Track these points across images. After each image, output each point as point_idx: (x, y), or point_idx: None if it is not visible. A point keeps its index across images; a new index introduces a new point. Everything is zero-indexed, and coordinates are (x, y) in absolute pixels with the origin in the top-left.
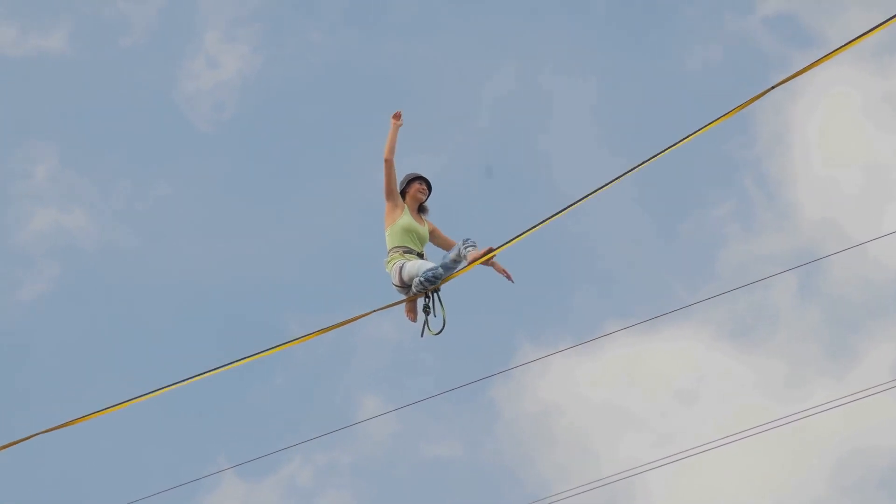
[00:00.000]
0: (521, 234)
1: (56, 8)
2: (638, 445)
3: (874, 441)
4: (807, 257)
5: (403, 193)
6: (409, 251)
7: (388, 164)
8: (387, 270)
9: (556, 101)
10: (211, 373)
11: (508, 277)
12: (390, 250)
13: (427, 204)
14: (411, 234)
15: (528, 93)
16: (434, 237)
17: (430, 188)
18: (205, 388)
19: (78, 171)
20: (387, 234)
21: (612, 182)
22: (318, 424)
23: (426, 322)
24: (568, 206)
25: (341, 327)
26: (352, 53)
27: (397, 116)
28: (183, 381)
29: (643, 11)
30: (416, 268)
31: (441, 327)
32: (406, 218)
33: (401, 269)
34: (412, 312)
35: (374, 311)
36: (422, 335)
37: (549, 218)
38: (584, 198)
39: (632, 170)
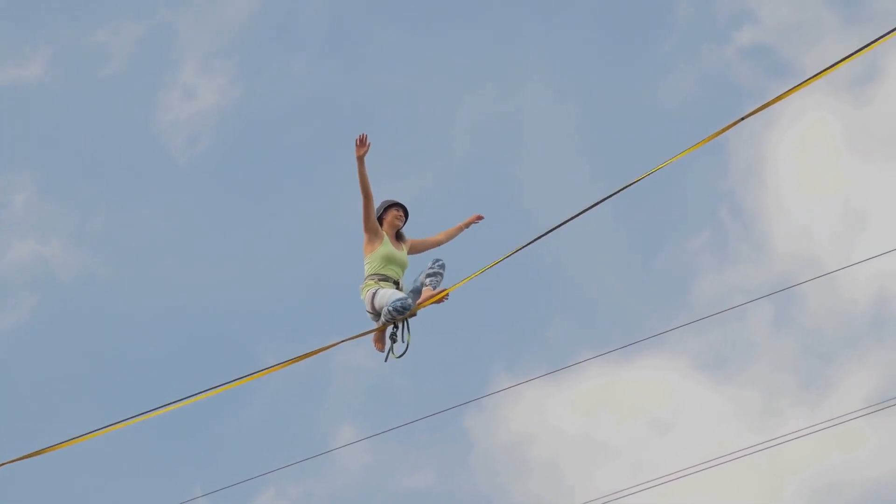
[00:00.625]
0: (483, 269)
1: (34, 37)
2: (612, 475)
3: (848, 470)
4: (781, 291)
5: (380, 220)
6: (385, 279)
7: (369, 200)
8: (361, 297)
9: (533, 129)
10: (180, 403)
11: (478, 219)
12: (367, 277)
13: (404, 231)
14: (390, 262)
15: (505, 119)
16: (419, 248)
17: (406, 214)
18: (179, 416)
19: (56, 200)
20: (366, 261)
21: (581, 213)
22: (293, 453)
23: (391, 348)
24: (533, 240)
25: (314, 356)
26: (330, 84)
27: (362, 142)
28: (155, 409)
29: (620, 40)
30: (386, 297)
31: (403, 350)
32: (385, 247)
33: (373, 296)
34: (380, 342)
35: (345, 340)
36: (385, 360)
37: (512, 252)
38: (548, 231)
39: (600, 201)
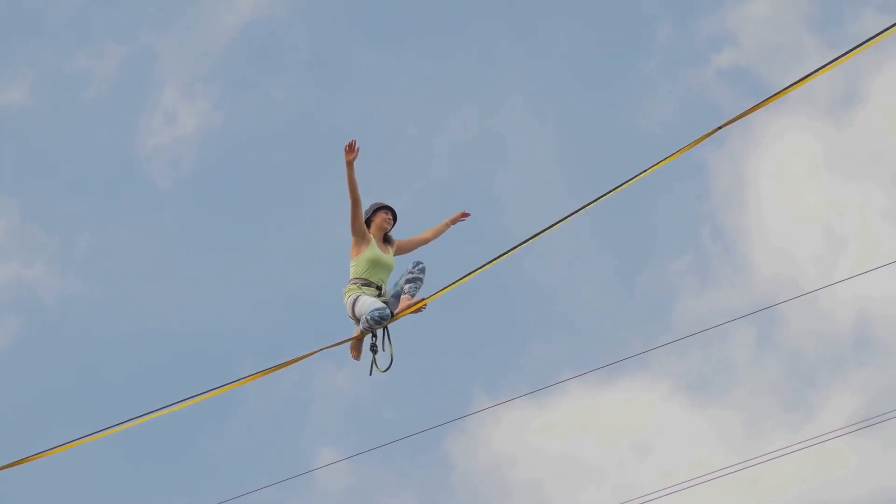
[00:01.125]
0: (460, 280)
1: (16, 62)
2: (594, 496)
3: (830, 490)
4: (763, 314)
5: (368, 222)
6: (369, 284)
7: (357, 203)
8: (343, 301)
9: (514, 150)
10: (156, 413)
11: (463, 216)
12: (350, 280)
13: (392, 234)
14: (376, 266)
15: (484, 141)
16: (407, 247)
17: (395, 217)
18: (160, 436)
19: (39, 224)
20: (351, 264)
21: (556, 224)
22: (273, 474)
23: (374, 360)
24: (510, 250)
25: (291, 365)
26: (311, 108)
27: (351, 148)
28: (131, 420)
29: (600, 62)
30: (365, 306)
31: (389, 364)
32: (371, 251)
33: (354, 301)
34: (356, 350)
35: (323, 349)
36: (370, 373)
37: (488, 263)
38: (524, 242)
39: (576, 212)
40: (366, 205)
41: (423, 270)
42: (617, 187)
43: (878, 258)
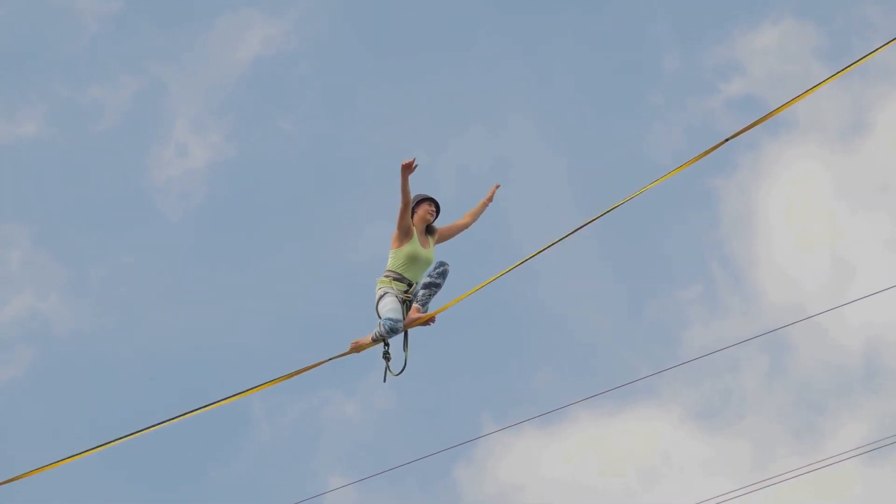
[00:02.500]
0: (466, 294)
1: (30, 93)
2: None
3: None
4: (771, 342)
5: (412, 213)
6: (401, 279)
7: (407, 206)
8: (375, 289)
9: (521, 177)
10: (157, 426)
11: (496, 188)
12: (386, 271)
13: (435, 225)
14: (413, 262)
15: (492, 168)
16: (448, 234)
17: (438, 209)
18: (171, 465)
19: (52, 255)
20: (390, 254)
21: (560, 239)
22: (282, 500)
23: (387, 367)
24: (515, 265)
25: (298, 376)
26: (322, 141)
27: (409, 165)
28: (129, 434)
29: (608, 90)
30: (385, 310)
31: (402, 368)
32: (411, 246)
33: (380, 298)
34: (359, 347)
35: (330, 359)
36: (384, 380)
37: (496, 277)
38: (529, 258)
39: (580, 228)
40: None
41: (442, 275)
42: (624, 200)
43: (887, 286)
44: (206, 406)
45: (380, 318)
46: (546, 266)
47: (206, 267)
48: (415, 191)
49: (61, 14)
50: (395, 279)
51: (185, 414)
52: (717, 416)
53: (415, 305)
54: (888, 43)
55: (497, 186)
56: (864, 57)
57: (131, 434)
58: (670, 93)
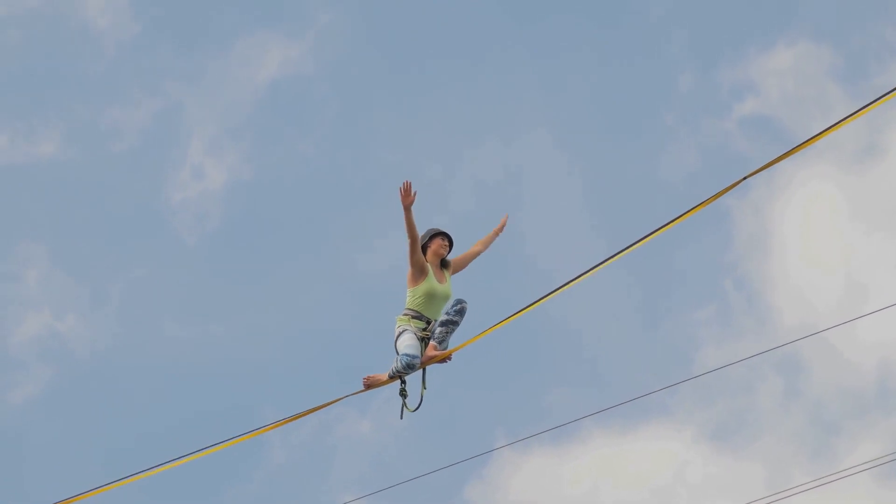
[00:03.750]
0: (483, 333)
1: (48, 114)
2: None
3: None
4: (786, 362)
5: (424, 248)
6: (419, 317)
7: (415, 242)
8: (395, 327)
9: (536, 186)
10: (180, 461)
11: (505, 220)
12: (405, 310)
13: (448, 258)
14: (431, 299)
15: (506, 185)
16: (462, 264)
17: (451, 244)
18: (185, 483)
19: (69, 274)
20: (407, 292)
21: (582, 275)
22: None
23: (403, 404)
24: (530, 305)
25: (318, 412)
26: (339, 162)
27: (407, 191)
28: (155, 467)
29: (620, 112)
30: (402, 346)
31: (418, 404)
32: (427, 284)
33: (398, 336)
34: (373, 384)
35: (347, 396)
36: (401, 416)
37: (513, 316)
38: (544, 297)
39: (600, 264)
40: (422, 230)
41: (460, 312)
42: (646, 236)
43: None
44: (227, 441)
45: (398, 353)
46: (559, 276)
47: (221, 284)
48: (431, 207)
49: (81, 36)
50: (413, 317)
51: (207, 449)
52: (731, 436)
53: (432, 343)
54: None
55: (507, 216)
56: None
57: (155, 468)
58: (684, 113)
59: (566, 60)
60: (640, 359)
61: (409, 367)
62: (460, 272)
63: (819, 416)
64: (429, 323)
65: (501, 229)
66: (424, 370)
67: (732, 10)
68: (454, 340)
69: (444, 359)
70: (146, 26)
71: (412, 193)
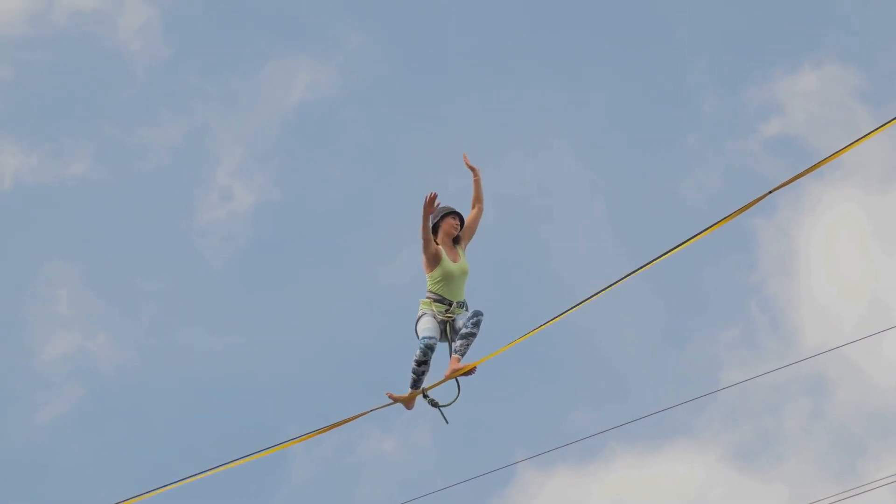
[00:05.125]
0: (507, 346)
1: (80, 135)
2: None
3: None
4: (810, 384)
5: (436, 227)
6: (441, 300)
7: (427, 241)
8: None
9: (561, 201)
10: (204, 474)
11: (467, 164)
12: (427, 293)
13: (461, 234)
14: (448, 281)
15: (532, 199)
16: (470, 232)
17: (462, 222)
18: (206, 502)
19: (100, 294)
20: (427, 277)
21: (603, 290)
22: None
23: (440, 411)
24: (556, 316)
25: (341, 426)
26: (366, 186)
27: (431, 202)
28: (175, 482)
29: (644, 132)
30: (420, 329)
31: (455, 398)
32: (443, 267)
33: (418, 320)
34: (409, 403)
35: (372, 410)
36: (446, 422)
37: (534, 330)
38: (566, 312)
39: (626, 277)
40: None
41: (477, 325)
42: (670, 250)
43: None
44: (250, 455)
45: (418, 338)
46: (583, 289)
47: (249, 309)
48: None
49: (113, 59)
50: (435, 301)
51: (229, 463)
52: (756, 458)
53: (454, 356)
54: None
55: (465, 156)
56: None
57: (174, 483)
58: (708, 133)
59: (589, 77)
60: (665, 378)
61: (429, 349)
62: (473, 239)
63: (843, 437)
64: (450, 305)
65: (473, 171)
66: (458, 382)
67: (757, 31)
68: (477, 353)
69: (470, 371)
70: (177, 50)
71: (436, 205)
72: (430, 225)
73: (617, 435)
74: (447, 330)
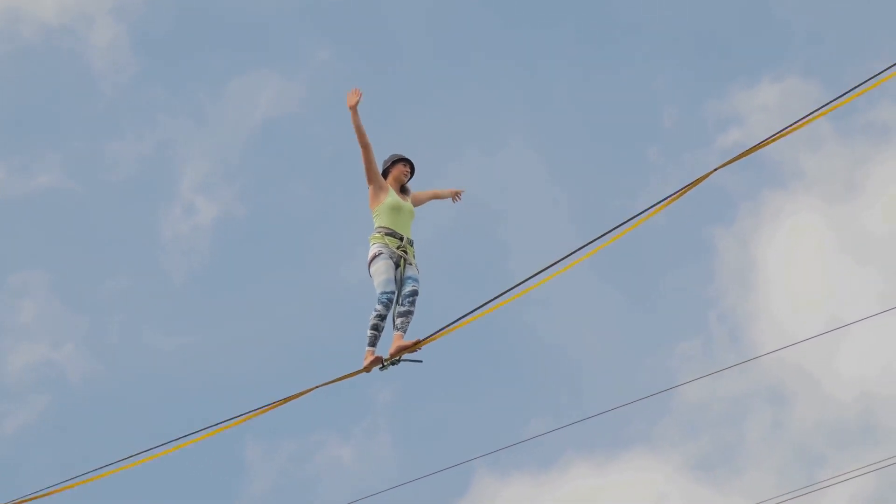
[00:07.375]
0: (455, 322)
1: (46, 146)
2: None
3: None
4: (770, 396)
5: (386, 174)
6: (392, 234)
7: (367, 149)
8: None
9: (519, 197)
10: (164, 451)
11: (458, 195)
12: (376, 228)
13: (409, 185)
14: (397, 213)
15: (490, 191)
16: (421, 199)
17: (412, 170)
18: None
19: (66, 303)
20: (373, 215)
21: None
22: None
23: (410, 360)
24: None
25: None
26: (332, 204)
27: (354, 95)
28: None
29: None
30: (380, 280)
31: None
32: (391, 197)
33: (373, 259)
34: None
35: (318, 386)
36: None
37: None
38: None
39: (574, 251)
40: (385, 156)
41: (413, 303)
42: (620, 234)
43: (882, 343)
44: (203, 431)
45: (375, 286)
46: (546, 307)
47: (215, 321)
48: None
49: (81, 73)
50: (386, 234)
51: (187, 436)
52: (714, 468)
53: (397, 334)
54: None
55: (459, 195)
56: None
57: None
58: (669, 145)
59: (550, 75)
60: (623, 391)
61: (390, 303)
62: (418, 208)
63: (802, 452)
64: (401, 240)
65: (455, 196)
66: (399, 360)
67: (719, 45)
68: (422, 331)
69: (415, 347)
70: (144, 65)
71: (358, 94)
72: (382, 170)
73: (574, 443)
74: (399, 276)
